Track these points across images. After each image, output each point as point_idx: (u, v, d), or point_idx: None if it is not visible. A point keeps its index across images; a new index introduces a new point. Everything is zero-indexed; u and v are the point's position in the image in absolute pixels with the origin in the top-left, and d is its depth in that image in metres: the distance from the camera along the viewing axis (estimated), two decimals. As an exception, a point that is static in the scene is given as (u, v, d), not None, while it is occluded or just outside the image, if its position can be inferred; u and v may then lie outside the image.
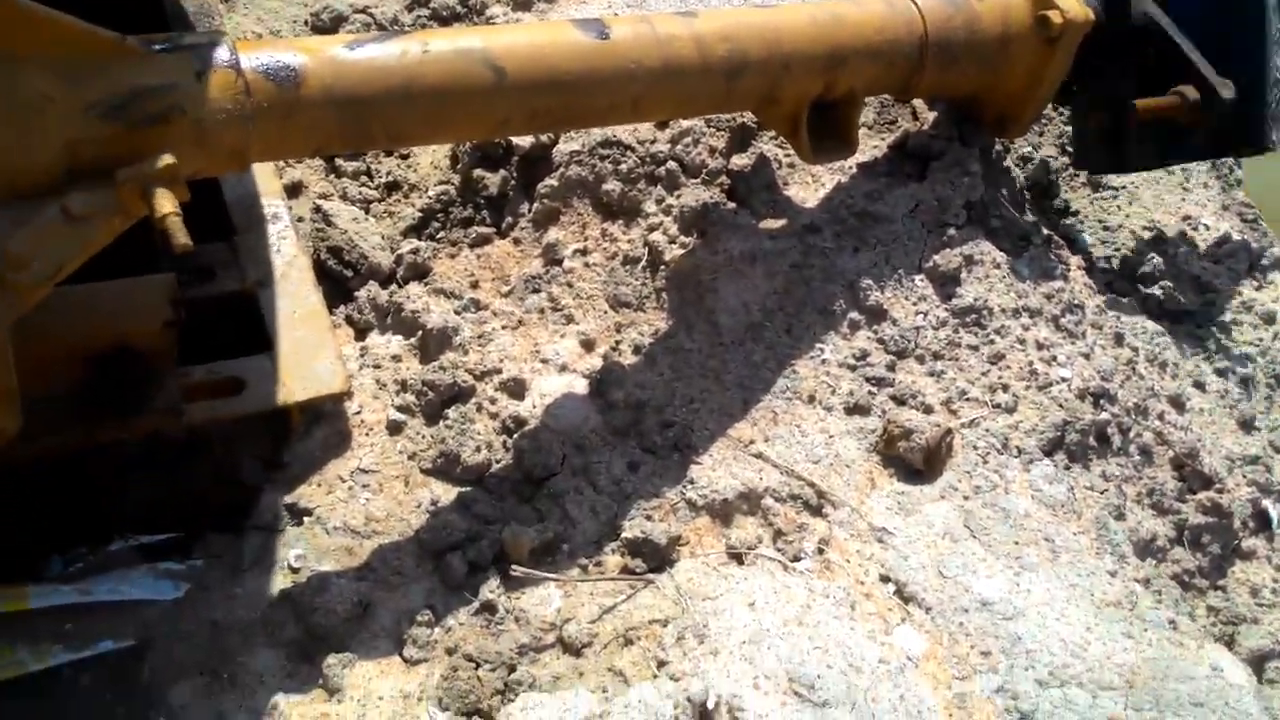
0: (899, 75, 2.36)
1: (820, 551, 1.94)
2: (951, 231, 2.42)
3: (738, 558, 1.97)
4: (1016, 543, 1.95)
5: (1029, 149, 3.04)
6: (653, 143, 2.52)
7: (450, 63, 1.85)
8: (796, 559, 1.94)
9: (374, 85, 1.78)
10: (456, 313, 2.39)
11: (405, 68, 1.81)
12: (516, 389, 2.25)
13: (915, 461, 2.09)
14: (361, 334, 2.41)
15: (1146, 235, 3.04)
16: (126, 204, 1.53)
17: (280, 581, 1.91)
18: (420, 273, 2.50)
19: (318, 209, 2.55)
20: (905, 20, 2.33)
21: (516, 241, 2.55)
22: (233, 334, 2.19)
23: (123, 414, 1.93)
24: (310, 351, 2.17)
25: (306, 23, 3.08)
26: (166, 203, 1.51)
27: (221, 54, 1.66)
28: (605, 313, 2.39)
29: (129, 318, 1.86)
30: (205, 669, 1.80)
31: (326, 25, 3.05)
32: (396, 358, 2.33)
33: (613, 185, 2.49)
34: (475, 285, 2.49)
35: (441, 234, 2.61)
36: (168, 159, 1.54)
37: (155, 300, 1.88)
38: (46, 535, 1.93)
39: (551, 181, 2.54)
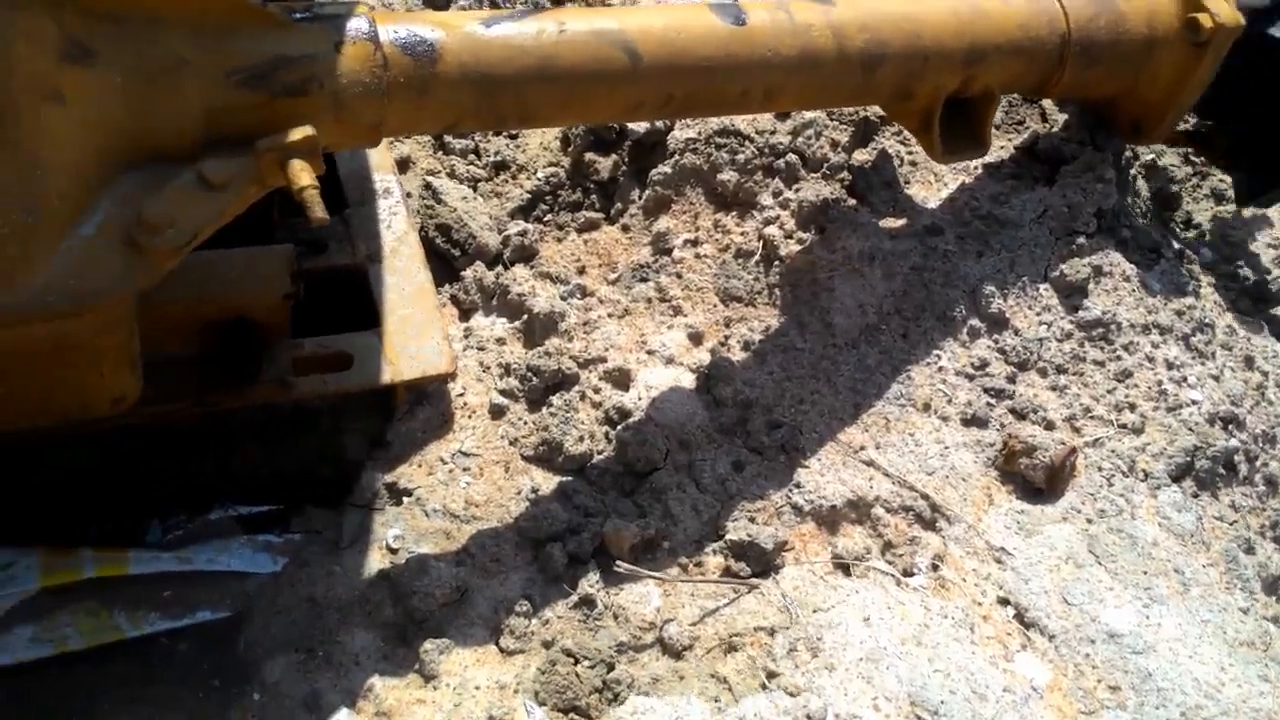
0: (1037, 74, 2.27)
1: (934, 568, 1.87)
2: (1081, 240, 2.32)
3: (844, 568, 1.91)
4: (1145, 572, 1.87)
5: (1151, 157, 2.92)
6: (772, 133, 2.45)
7: (586, 44, 1.80)
8: (909, 574, 1.87)
9: (510, 64, 1.74)
10: (562, 298, 2.34)
11: (541, 47, 1.76)
12: (621, 379, 2.20)
13: (1036, 480, 2.01)
14: (466, 314, 2.38)
15: (1272, 253, 2.90)
16: (264, 174, 1.50)
17: (378, 561, 1.89)
18: (527, 255, 2.46)
19: (427, 186, 2.52)
20: (1048, 17, 2.24)
21: (625, 229, 2.50)
22: (341, 308, 2.17)
23: (235, 383, 1.92)
24: (417, 330, 2.14)
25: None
26: (305, 175, 1.48)
27: (360, 26, 1.63)
28: (715, 306, 2.33)
29: (249, 288, 1.84)
30: (301, 646, 1.78)
31: None
32: (501, 340, 2.29)
33: (728, 175, 2.43)
34: (582, 271, 2.44)
35: (549, 217, 2.56)
36: (307, 130, 1.51)
37: (275, 272, 1.86)
38: (147, 500, 1.93)
39: (665, 169, 2.48)
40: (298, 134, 1.51)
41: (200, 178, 1.49)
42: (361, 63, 1.62)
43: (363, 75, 1.62)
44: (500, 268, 2.44)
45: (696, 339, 2.28)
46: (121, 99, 1.43)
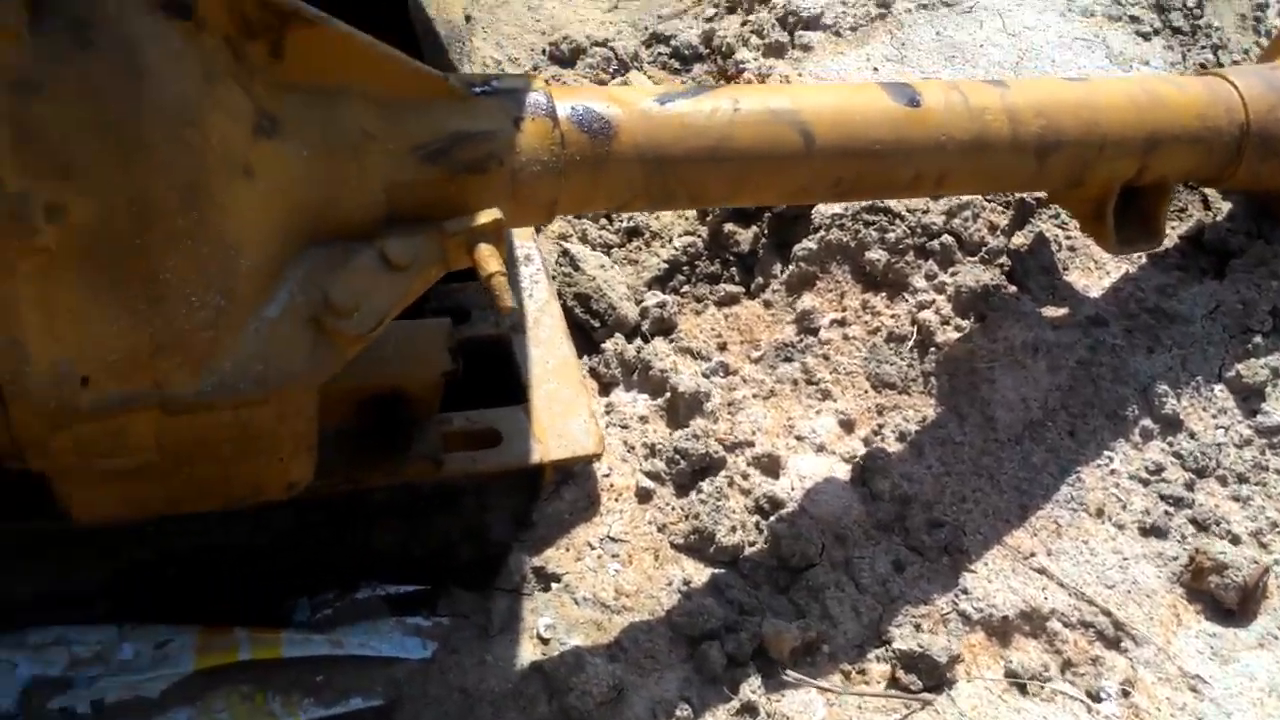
0: (1214, 165, 2.16)
1: (1125, 694, 1.74)
2: (1257, 339, 2.19)
3: (1020, 686, 1.79)
4: (1356, 712, 1.73)
5: None
6: (925, 213, 2.36)
7: (761, 124, 1.74)
8: (1095, 698, 1.75)
9: (684, 144, 1.68)
10: (705, 375, 2.27)
11: (716, 127, 1.70)
12: (770, 466, 2.11)
13: (1227, 600, 1.87)
14: (606, 389, 2.31)
15: None
16: (449, 256, 1.45)
17: (530, 651, 1.81)
18: (666, 328, 2.39)
19: (564, 253, 2.47)
20: (1226, 106, 2.14)
21: (767, 304, 2.42)
22: (483, 379, 2.11)
23: (385, 460, 1.86)
24: (564, 407, 2.08)
25: (544, 51, 3.01)
26: (493, 260, 1.43)
27: (538, 101, 1.58)
28: (865, 392, 2.23)
29: (408, 365, 1.78)
30: (453, 740, 1.70)
31: (565, 55, 2.98)
32: (644, 419, 2.21)
33: (877, 255, 2.34)
34: (723, 347, 2.36)
35: (686, 288, 2.49)
36: (495, 214, 1.46)
37: (435, 348, 1.80)
38: (294, 577, 1.88)
39: (809, 244, 2.40)
40: (486, 217, 1.46)
41: (383, 258, 1.44)
42: (540, 140, 1.57)
43: (541, 153, 1.57)
44: (639, 340, 2.37)
45: (848, 426, 2.19)
46: (306, 174, 1.39)
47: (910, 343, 2.26)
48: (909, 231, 2.35)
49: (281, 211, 1.36)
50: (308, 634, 1.75)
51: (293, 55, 1.36)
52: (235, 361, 1.32)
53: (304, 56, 1.37)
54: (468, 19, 2.91)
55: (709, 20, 2.96)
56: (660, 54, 2.94)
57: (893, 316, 2.31)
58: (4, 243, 1.12)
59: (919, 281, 2.32)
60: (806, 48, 2.74)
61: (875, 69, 2.67)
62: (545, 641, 1.82)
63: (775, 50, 2.77)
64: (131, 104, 1.17)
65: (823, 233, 2.40)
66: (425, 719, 1.71)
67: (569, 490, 2.06)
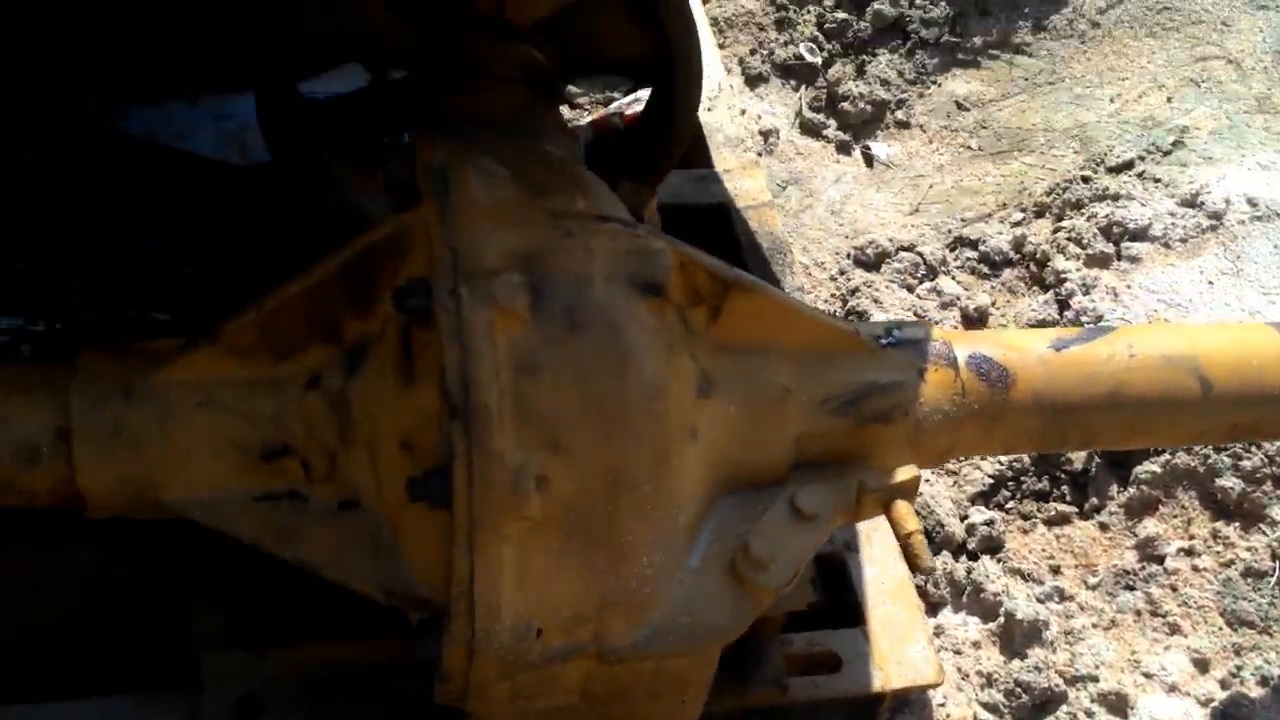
0: None
1: None
2: None
3: None
4: None
5: None
6: (1283, 441, 2.24)
7: (1157, 370, 1.68)
8: None
9: (1080, 391, 1.64)
10: (1039, 600, 2.18)
11: (1113, 374, 1.66)
12: (1118, 705, 2.01)
13: None
14: (934, 609, 2.24)
15: None
16: (863, 510, 1.46)
17: None
18: (994, 547, 2.32)
19: (886, 460, 2.45)
20: None
21: (1103, 526, 2.32)
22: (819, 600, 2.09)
23: (732, 682, 1.86)
24: (901, 630, 2.02)
25: (849, 255, 2.99)
26: (911, 520, 1.43)
27: (941, 350, 1.59)
28: (1220, 629, 2.10)
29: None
30: None
31: (870, 260, 2.94)
32: (976, 644, 2.14)
33: (1230, 482, 2.23)
34: (1056, 570, 2.27)
35: (1011, 505, 2.42)
36: (914, 471, 1.46)
37: (800, 581, 1.79)
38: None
39: (1152, 467, 2.31)
40: (905, 474, 1.46)
41: (793, 508, 1.45)
42: (942, 390, 1.56)
43: (943, 403, 1.56)
44: (966, 559, 2.31)
45: (1201, 665, 2.06)
46: (731, 428, 1.42)
47: (1272, 579, 2.12)
48: (1267, 460, 2.23)
49: (710, 466, 1.40)
50: None
51: (727, 318, 1.42)
52: (663, 613, 1.35)
53: (737, 319, 1.42)
54: (777, 226, 2.97)
55: (1016, 225, 2.93)
56: (968, 259, 2.88)
57: (1249, 549, 2.18)
58: (499, 510, 1.19)
59: (1278, 513, 2.19)
60: (1134, 259, 2.67)
61: (1210, 283, 2.59)
62: None
63: (1099, 261, 2.71)
64: (616, 382, 1.24)
65: (1167, 456, 2.30)
66: None
67: (904, 718, 2.00)
